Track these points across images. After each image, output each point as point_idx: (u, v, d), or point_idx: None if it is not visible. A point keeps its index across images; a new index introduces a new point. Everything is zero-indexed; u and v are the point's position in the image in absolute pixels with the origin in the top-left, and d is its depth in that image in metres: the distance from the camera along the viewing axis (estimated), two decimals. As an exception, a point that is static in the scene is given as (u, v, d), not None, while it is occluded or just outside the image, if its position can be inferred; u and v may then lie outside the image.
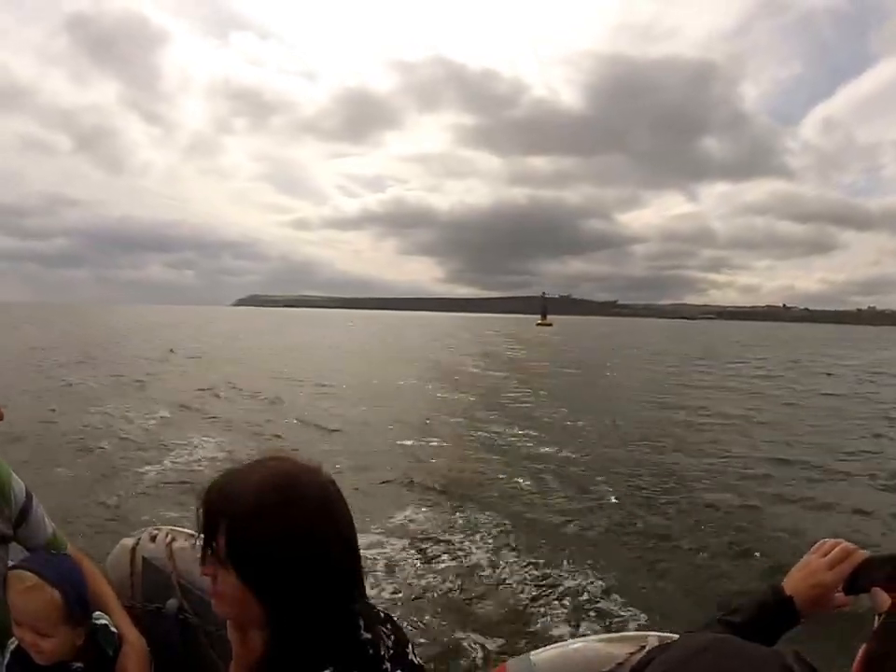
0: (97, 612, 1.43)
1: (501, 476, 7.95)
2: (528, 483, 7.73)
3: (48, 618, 1.30)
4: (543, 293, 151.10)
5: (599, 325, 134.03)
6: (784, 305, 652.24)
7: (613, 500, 7.06)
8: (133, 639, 1.40)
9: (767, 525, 6.28)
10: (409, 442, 9.72)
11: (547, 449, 9.55)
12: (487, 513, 6.51)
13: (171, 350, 25.77)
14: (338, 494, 0.99)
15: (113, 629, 1.43)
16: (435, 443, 9.87)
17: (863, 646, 0.70)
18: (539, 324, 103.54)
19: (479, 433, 10.74)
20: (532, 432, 10.83)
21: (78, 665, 1.36)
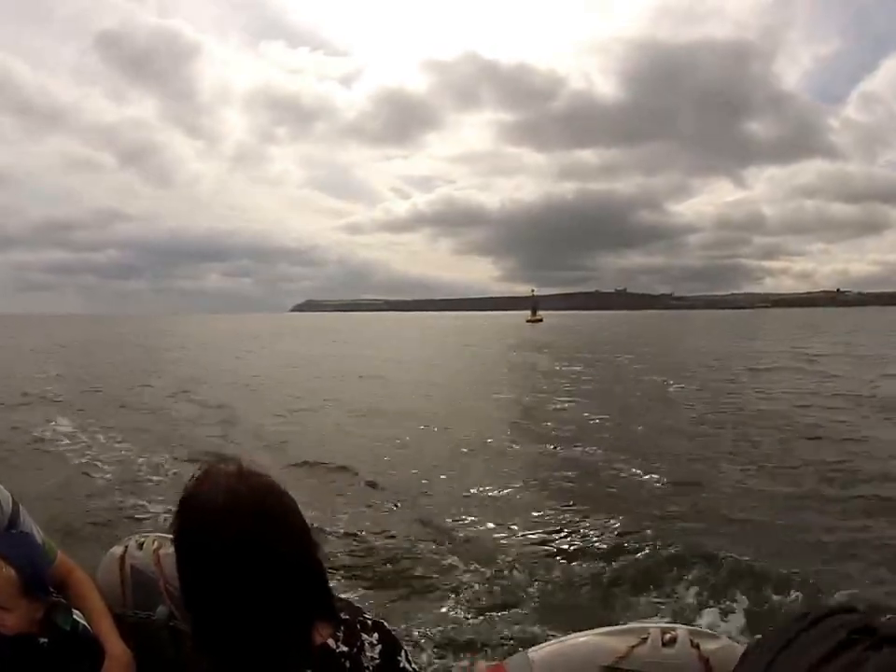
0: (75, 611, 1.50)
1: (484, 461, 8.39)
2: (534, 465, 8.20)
3: (6, 592, 1.36)
4: (532, 290, 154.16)
5: (609, 319, 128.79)
6: (838, 290, 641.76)
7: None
8: (118, 652, 1.37)
9: (797, 528, 5.79)
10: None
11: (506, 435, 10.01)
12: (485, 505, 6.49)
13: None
14: (293, 505, 0.99)
15: (83, 623, 1.48)
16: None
17: None
18: (528, 320, 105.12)
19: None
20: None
21: (44, 640, 1.41)
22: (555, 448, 9.48)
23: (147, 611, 1.69)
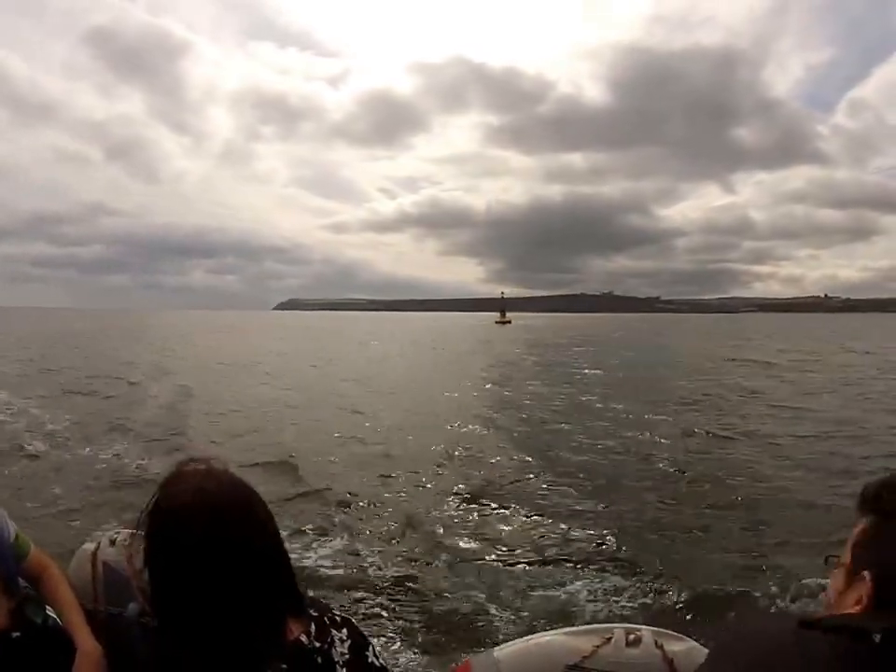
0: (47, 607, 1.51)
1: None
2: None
3: None
4: (502, 293, 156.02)
5: (580, 322, 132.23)
6: (825, 295, 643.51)
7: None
8: (89, 648, 1.38)
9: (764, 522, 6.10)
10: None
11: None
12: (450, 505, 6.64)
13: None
14: (261, 502, 1.03)
15: (54, 617, 1.50)
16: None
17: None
18: (497, 322, 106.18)
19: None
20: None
21: (16, 634, 1.43)
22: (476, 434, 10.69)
23: (118, 608, 1.66)
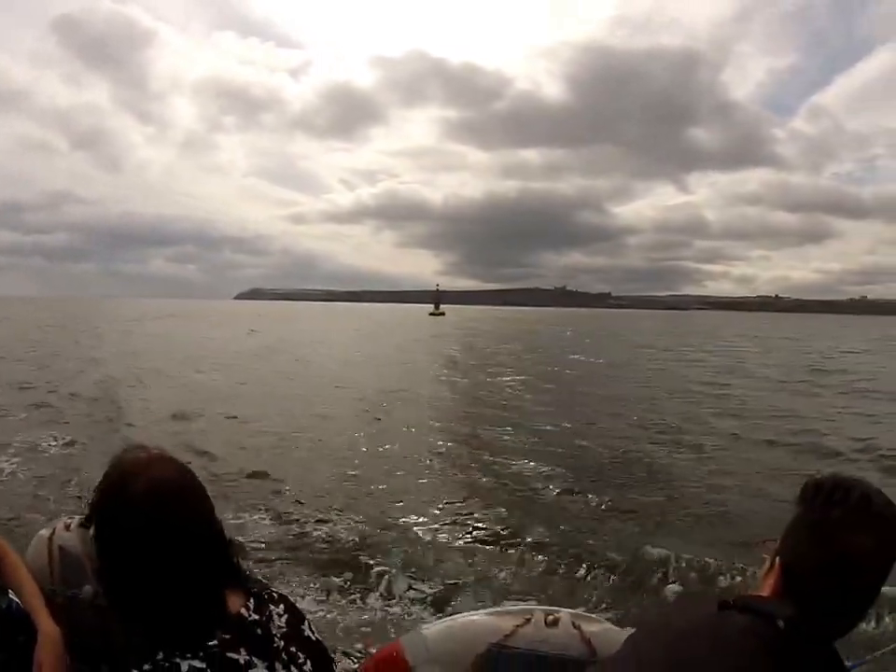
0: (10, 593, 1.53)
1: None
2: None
3: None
4: (437, 285, 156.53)
5: (528, 315, 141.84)
6: (776, 295, 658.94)
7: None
8: (49, 629, 1.40)
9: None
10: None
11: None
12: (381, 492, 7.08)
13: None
14: (201, 487, 1.09)
15: (17, 602, 1.52)
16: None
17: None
18: (431, 314, 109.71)
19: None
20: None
21: None
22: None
23: (75, 590, 1.72)
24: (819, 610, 0.91)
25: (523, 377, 19.69)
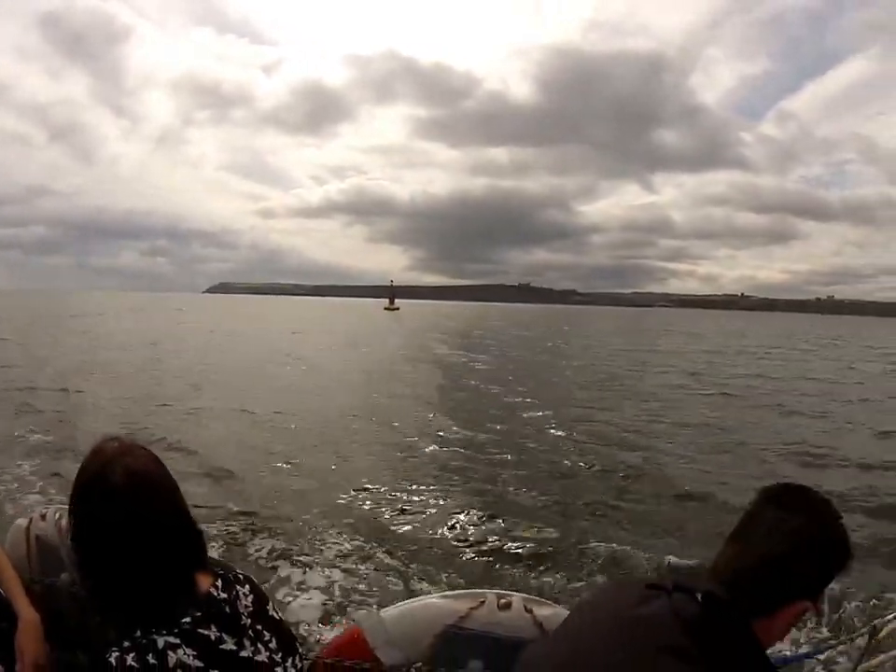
0: None
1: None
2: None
3: None
4: (391, 281, 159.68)
5: (487, 311, 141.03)
6: (742, 294, 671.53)
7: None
8: (29, 616, 1.43)
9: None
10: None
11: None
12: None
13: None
14: (171, 476, 1.14)
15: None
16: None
17: None
18: (386, 308, 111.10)
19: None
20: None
21: None
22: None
23: (51, 578, 1.76)
24: (744, 587, 0.96)
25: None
